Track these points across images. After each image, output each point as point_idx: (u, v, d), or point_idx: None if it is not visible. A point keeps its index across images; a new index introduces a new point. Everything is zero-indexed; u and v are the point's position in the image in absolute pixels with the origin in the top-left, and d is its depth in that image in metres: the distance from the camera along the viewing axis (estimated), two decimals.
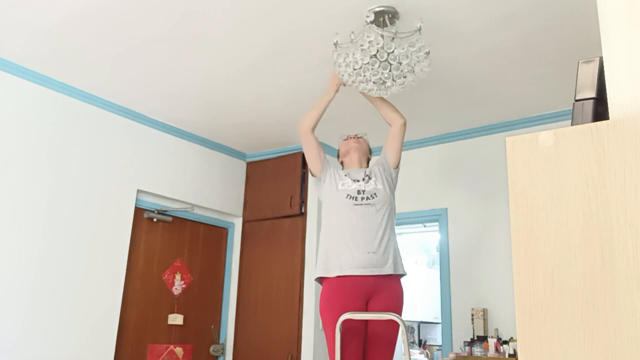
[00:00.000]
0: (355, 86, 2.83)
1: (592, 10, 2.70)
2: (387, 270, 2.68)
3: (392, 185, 2.93)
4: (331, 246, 2.73)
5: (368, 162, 3.12)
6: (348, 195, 2.77)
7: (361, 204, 2.74)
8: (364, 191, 2.77)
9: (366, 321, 2.69)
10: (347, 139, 3.09)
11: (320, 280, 2.79)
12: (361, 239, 2.67)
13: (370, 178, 2.85)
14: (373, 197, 2.77)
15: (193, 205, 4.63)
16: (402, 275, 2.79)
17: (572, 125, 0.92)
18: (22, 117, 3.55)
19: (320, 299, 2.74)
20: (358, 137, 3.09)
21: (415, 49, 2.66)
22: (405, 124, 3.00)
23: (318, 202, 4.61)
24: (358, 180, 2.84)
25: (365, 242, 2.66)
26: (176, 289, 4.49)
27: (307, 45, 3.16)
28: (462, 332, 3.96)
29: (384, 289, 2.68)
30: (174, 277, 4.50)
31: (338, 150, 3.15)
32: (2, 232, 3.38)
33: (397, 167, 2.99)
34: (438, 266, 4.40)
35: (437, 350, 6.87)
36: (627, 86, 0.89)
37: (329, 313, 2.63)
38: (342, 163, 3.11)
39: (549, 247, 0.84)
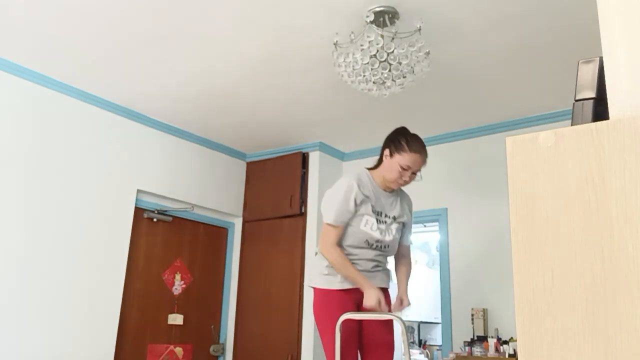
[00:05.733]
0: (355, 86, 2.83)
1: (592, 10, 2.70)
2: (384, 285, 2.78)
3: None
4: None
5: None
6: (367, 240, 2.67)
7: (375, 249, 2.72)
8: (381, 241, 2.71)
9: (361, 326, 2.68)
10: (406, 169, 2.64)
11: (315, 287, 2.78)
12: (366, 268, 2.70)
13: (394, 221, 2.74)
14: (387, 247, 2.75)
15: (193, 205, 4.63)
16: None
17: (572, 125, 0.92)
18: (21, 116, 3.55)
19: (318, 307, 2.70)
20: (414, 176, 2.71)
21: (415, 49, 2.66)
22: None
23: (318, 202, 4.61)
24: (384, 222, 2.71)
25: (369, 271, 2.71)
26: (176, 289, 4.49)
27: (307, 45, 3.16)
28: (462, 332, 3.96)
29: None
30: (174, 277, 4.50)
31: (389, 152, 2.68)
32: (1, 232, 3.38)
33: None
34: (438, 266, 4.40)
35: (437, 350, 6.87)
36: (627, 86, 0.89)
37: (328, 320, 2.61)
38: (376, 167, 2.76)
39: (549, 247, 0.84)
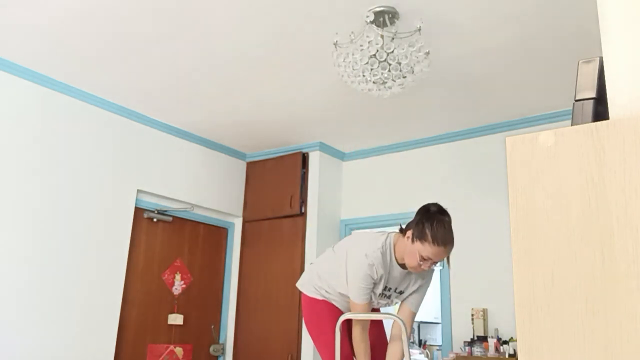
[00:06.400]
0: (355, 86, 2.83)
1: (592, 10, 2.70)
2: None
3: None
4: (328, 292, 2.65)
5: None
6: None
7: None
8: (376, 304, 2.65)
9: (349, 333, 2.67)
10: (427, 260, 2.32)
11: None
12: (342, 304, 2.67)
13: (400, 295, 2.58)
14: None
15: (193, 205, 4.63)
16: None
17: (572, 125, 0.92)
18: (22, 117, 3.55)
19: (307, 313, 2.69)
20: (434, 265, 2.45)
21: (414, 49, 2.66)
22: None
23: (318, 202, 4.61)
24: (388, 296, 2.54)
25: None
26: (176, 289, 4.49)
27: (307, 45, 3.16)
28: (462, 332, 3.95)
29: None
30: (174, 277, 4.50)
31: (412, 235, 2.35)
32: (2, 231, 3.38)
33: None
34: (438, 266, 4.40)
35: (437, 350, 6.87)
36: (627, 86, 0.89)
37: (319, 325, 2.60)
38: (400, 242, 2.45)
39: (549, 247, 0.84)
